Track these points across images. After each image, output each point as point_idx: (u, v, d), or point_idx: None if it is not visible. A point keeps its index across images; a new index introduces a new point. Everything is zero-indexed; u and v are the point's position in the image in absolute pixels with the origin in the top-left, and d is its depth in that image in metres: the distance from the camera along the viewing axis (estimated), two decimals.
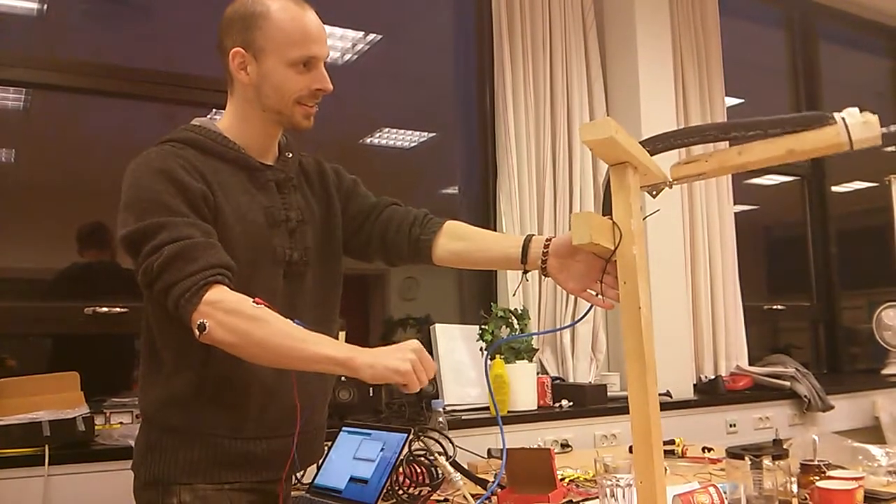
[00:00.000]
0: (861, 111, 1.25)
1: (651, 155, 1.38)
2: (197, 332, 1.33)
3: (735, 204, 4.00)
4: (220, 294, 1.35)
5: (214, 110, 1.65)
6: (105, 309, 2.58)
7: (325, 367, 1.37)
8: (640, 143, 1.36)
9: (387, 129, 3.50)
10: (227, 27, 1.55)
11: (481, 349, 2.99)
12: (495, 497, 1.98)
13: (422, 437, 2.10)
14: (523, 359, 3.00)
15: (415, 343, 1.39)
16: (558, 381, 3.27)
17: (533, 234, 1.61)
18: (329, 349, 1.35)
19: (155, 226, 1.39)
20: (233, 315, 1.34)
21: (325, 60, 1.57)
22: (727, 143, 1.36)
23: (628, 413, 1.25)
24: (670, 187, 1.46)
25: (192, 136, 1.54)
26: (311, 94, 1.55)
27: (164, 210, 1.41)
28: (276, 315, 1.38)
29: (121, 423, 2.37)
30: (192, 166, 1.48)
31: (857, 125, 1.24)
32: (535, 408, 3.02)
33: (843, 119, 1.25)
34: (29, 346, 2.61)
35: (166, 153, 1.49)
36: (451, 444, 2.18)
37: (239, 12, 1.54)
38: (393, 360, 1.34)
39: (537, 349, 3.18)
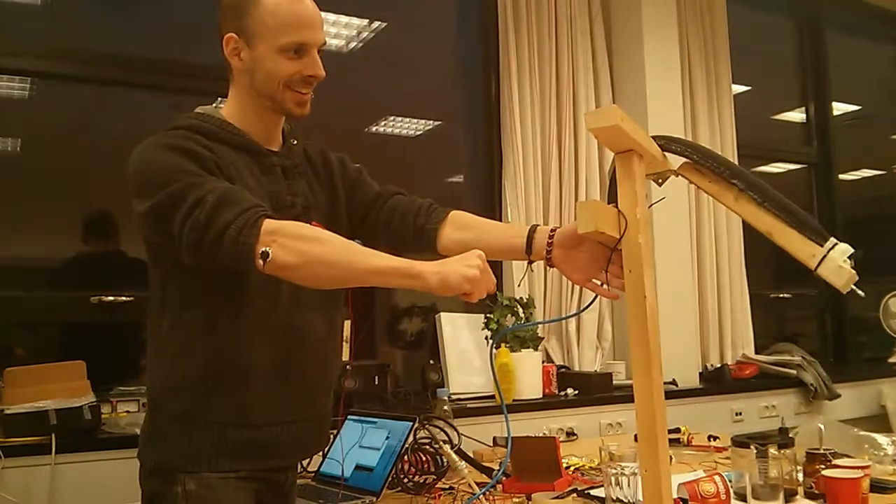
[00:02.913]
0: (852, 256, 1.24)
1: (662, 150, 1.38)
2: (261, 263, 1.32)
3: None
4: (275, 223, 1.35)
5: (220, 99, 1.65)
6: (111, 298, 2.58)
7: (389, 279, 1.34)
8: (655, 136, 1.36)
9: (392, 118, 3.50)
10: (224, 13, 1.55)
11: (486, 338, 2.99)
12: (500, 485, 1.99)
13: (427, 426, 2.10)
14: (528, 347, 3.00)
15: (478, 251, 1.37)
16: (564, 370, 3.27)
17: (538, 225, 1.60)
18: (392, 261, 1.34)
19: (184, 187, 1.38)
20: (294, 238, 1.34)
21: (321, 47, 1.56)
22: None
23: (633, 401, 1.25)
24: (676, 176, 1.46)
25: (197, 124, 1.54)
26: (302, 81, 1.54)
27: (186, 174, 1.41)
28: (334, 234, 1.39)
29: (127, 411, 2.38)
30: (202, 145, 1.48)
31: (832, 262, 1.24)
32: (541, 396, 3.03)
33: (830, 248, 1.24)
34: (35, 335, 2.62)
35: (172, 136, 1.50)
36: (455, 433, 2.18)
37: None
38: (461, 266, 1.32)
39: (542, 338, 3.18)
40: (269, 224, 1.34)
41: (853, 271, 1.24)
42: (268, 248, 1.32)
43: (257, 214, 1.35)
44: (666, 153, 1.40)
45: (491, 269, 1.37)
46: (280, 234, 1.34)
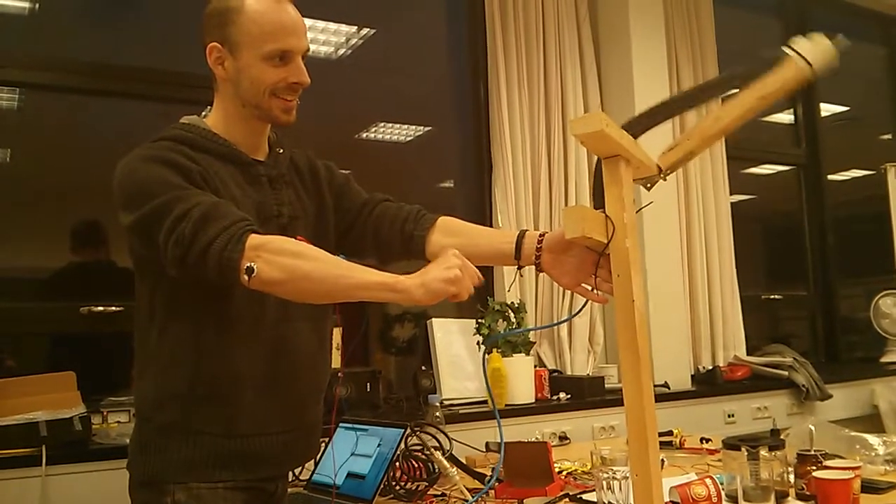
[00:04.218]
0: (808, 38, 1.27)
1: (634, 138, 1.37)
2: (246, 278, 1.32)
3: (731, 194, 4.00)
4: (260, 239, 1.35)
5: (209, 107, 1.65)
6: (100, 308, 2.57)
7: (375, 294, 1.34)
8: (623, 126, 1.36)
9: (382, 124, 3.50)
10: (207, 23, 1.55)
11: (478, 343, 2.99)
12: (493, 490, 1.99)
13: (418, 433, 2.10)
14: (521, 352, 3.00)
15: (453, 250, 1.37)
16: (556, 374, 3.27)
17: (526, 230, 1.60)
18: (377, 276, 1.34)
19: (170, 200, 1.38)
20: (278, 253, 1.34)
21: (305, 54, 1.56)
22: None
23: None
24: (664, 179, 1.46)
25: (182, 134, 1.54)
26: (287, 88, 1.54)
27: (171, 187, 1.40)
28: (319, 250, 1.39)
29: (118, 421, 2.37)
30: (187, 157, 1.48)
31: (808, 50, 1.26)
32: (533, 401, 3.02)
33: (795, 50, 1.26)
34: (25, 346, 2.61)
35: (157, 147, 1.49)
36: (447, 439, 2.18)
37: (216, 8, 1.54)
38: (441, 271, 1.32)
39: (534, 342, 3.18)
40: (253, 239, 1.34)
41: (823, 36, 1.27)
42: (253, 264, 1.32)
43: (242, 229, 1.35)
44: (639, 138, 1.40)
45: (481, 274, 1.37)
46: (265, 249, 1.33)
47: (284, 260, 1.33)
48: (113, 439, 2.19)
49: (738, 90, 1.32)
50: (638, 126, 1.38)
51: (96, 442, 2.20)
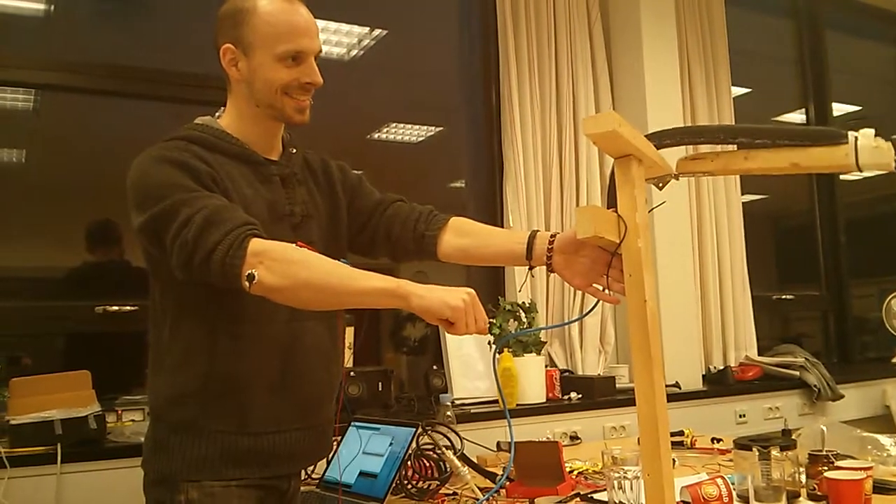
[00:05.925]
0: (877, 135, 1.22)
1: (657, 149, 1.38)
2: (247, 285, 1.33)
3: (743, 193, 3.99)
4: (262, 244, 1.36)
5: (223, 108, 1.66)
6: (115, 307, 2.59)
7: (376, 300, 1.36)
8: (646, 136, 1.36)
9: (394, 124, 3.50)
10: (220, 25, 1.57)
11: (489, 343, 3.00)
12: (504, 490, 1.99)
13: (430, 432, 2.11)
14: (531, 352, 3.00)
15: (470, 289, 1.38)
16: (567, 374, 3.27)
17: (538, 231, 1.61)
18: (378, 281, 1.35)
19: (176, 203, 1.39)
20: (279, 261, 1.35)
21: (318, 55, 1.58)
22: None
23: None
24: (676, 179, 1.46)
25: (195, 134, 1.55)
26: (300, 87, 1.56)
27: (179, 190, 1.42)
28: (320, 256, 1.39)
29: (132, 420, 2.39)
30: (198, 157, 1.50)
31: (867, 149, 1.21)
32: (544, 400, 3.02)
33: (856, 139, 1.22)
34: (40, 345, 2.63)
35: (170, 147, 1.51)
36: (458, 438, 2.19)
37: (229, 9, 1.56)
38: (447, 293, 1.34)
39: (545, 342, 3.18)
40: (255, 245, 1.35)
41: (889, 143, 1.22)
42: (254, 271, 1.33)
43: (244, 234, 1.36)
44: (666, 149, 1.40)
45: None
46: (266, 256, 1.34)
47: (285, 267, 1.34)
48: (127, 438, 2.21)
49: (782, 145, 1.29)
50: (675, 138, 1.38)
51: (111, 440, 2.22)
